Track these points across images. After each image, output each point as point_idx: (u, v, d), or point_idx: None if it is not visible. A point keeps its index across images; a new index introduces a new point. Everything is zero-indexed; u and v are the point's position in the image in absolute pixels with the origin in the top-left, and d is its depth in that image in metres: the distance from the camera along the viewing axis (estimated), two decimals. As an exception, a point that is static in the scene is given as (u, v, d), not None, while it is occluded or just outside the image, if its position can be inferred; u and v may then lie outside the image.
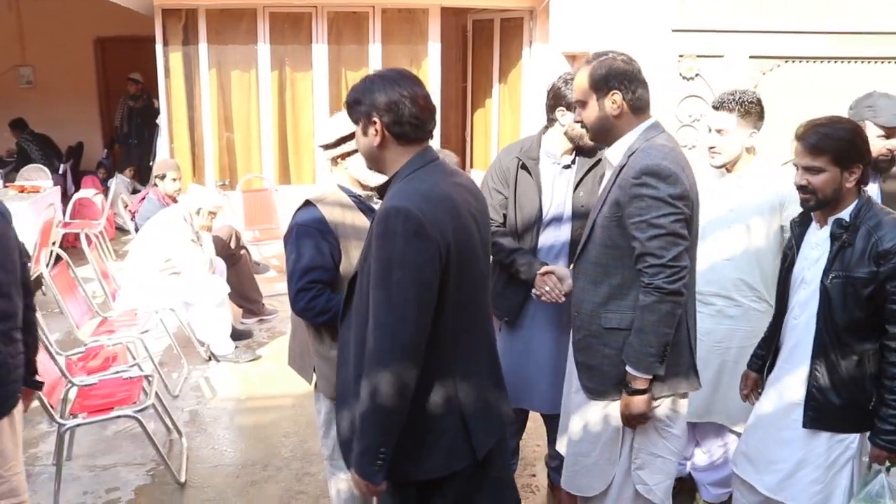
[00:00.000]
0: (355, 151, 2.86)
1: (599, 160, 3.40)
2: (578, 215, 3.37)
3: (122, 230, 9.21)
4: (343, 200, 2.89)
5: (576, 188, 3.39)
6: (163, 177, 6.38)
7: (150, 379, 4.39)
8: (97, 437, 4.61)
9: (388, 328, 2.11)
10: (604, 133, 2.68)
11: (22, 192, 7.79)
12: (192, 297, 5.70)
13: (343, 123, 2.90)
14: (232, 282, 6.19)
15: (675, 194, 2.48)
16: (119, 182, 9.73)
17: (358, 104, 2.28)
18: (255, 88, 7.94)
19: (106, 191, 9.02)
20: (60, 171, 9.99)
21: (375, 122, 2.25)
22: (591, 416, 2.75)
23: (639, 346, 2.55)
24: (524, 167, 3.41)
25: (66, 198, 8.72)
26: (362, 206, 2.91)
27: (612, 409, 2.72)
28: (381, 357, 2.11)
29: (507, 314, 3.52)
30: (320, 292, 2.75)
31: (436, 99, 8.48)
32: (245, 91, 7.97)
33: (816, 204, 2.66)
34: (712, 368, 3.30)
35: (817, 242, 2.71)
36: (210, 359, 5.81)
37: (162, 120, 8.00)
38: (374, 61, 8.04)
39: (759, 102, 3.25)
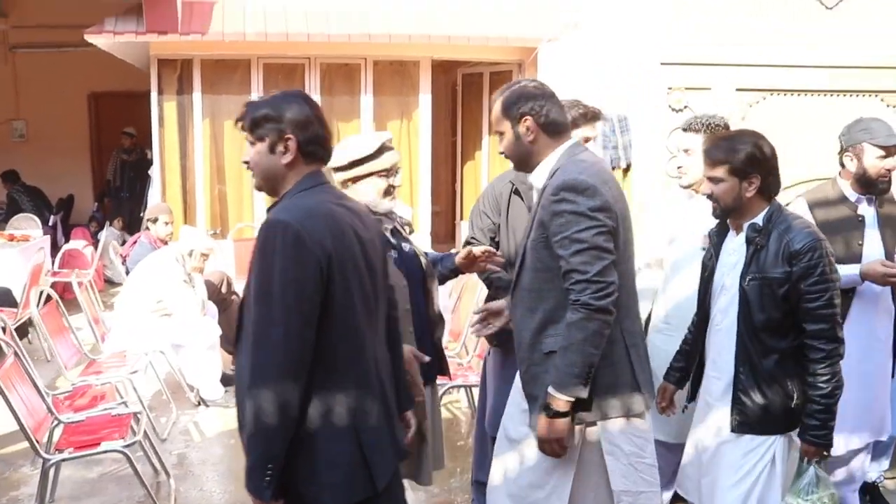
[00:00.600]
0: (367, 176, 2.87)
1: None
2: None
3: (110, 282, 9.16)
4: None
5: (716, 216, 3.40)
6: (155, 220, 6.39)
7: (139, 416, 4.32)
8: (81, 478, 4.50)
9: (270, 342, 2.06)
10: (523, 159, 2.68)
11: (11, 240, 7.78)
12: (183, 340, 5.65)
13: (356, 147, 2.92)
14: (222, 327, 6.14)
15: (594, 207, 2.44)
16: (109, 234, 9.72)
17: (268, 121, 2.22)
18: (248, 138, 8.00)
19: (96, 243, 9.01)
20: (50, 223, 9.98)
21: (289, 140, 2.21)
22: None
23: (562, 365, 2.46)
24: (517, 192, 3.44)
25: (55, 249, 8.70)
26: None
27: (577, 437, 2.62)
28: (263, 372, 2.05)
29: (497, 340, 3.50)
30: None
31: (425, 152, 8.64)
32: (238, 140, 8.03)
33: (721, 212, 2.80)
34: (685, 392, 3.20)
35: (734, 249, 2.82)
36: (199, 403, 5.72)
37: (154, 169, 8.05)
38: (366, 112, 8.16)
39: (726, 126, 3.36)
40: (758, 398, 2.74)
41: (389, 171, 2.99)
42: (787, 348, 2.71)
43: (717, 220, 2.90)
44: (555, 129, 2.62)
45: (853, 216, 3.43)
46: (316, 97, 7.96)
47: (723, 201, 2.76)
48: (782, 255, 2.67)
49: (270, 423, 2.06)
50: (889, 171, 3.38)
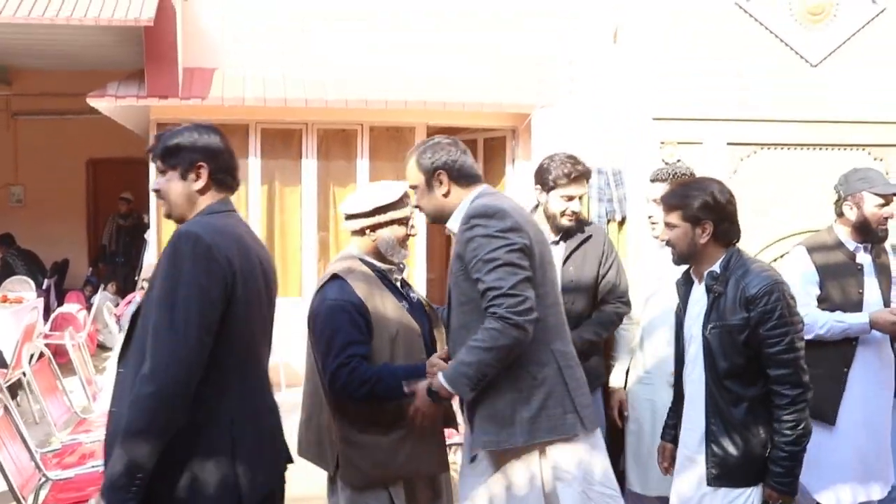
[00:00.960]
0: (389, 223, 2.89)
1: (590, 236, 3.48)
2: (568, 289, 3.41)
3: (102, 347, 9.08)
4: (368, 274, 2.87)
5: (565, 262, 3.44)
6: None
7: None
8: (68, 540, 4.38)
9: (168, 345, 2.09)
10: (438, 211, 2.77)
11: (4, 301, 7.74)
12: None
13: (380, 193, 2.93)
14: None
15: (503, 227, 2.51)
16: (102, 297, 9.69)
17: (181, 150, 2.31)
18: (245, 202, 8.08)
19: (90, 307, 8.98)
20: (44, 287, 9.96)
21: (201, 168, 2.30)
22: (515, 478, 2.61)
23: (460, 361, 2.50)
24: None
25: (48, 312, 8.66)
26: (385, 280, 2.90)
27: (535, 468, 2.61)
28: (157, 374, 2.07)
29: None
30: (359, 363, 2.69)
31: (420, 218, 8.62)
32: (234, 204, 8.08)
33: (678, 258, 2.82)
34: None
35: (697, 298, 2.82)
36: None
37: (151, 232, 8.08)
38: (362, 177, 8.25)
39: (691, 175, 3.44)
40: (731, 448, 2.68)
41: (408, 220, 3.02)
42: (756, 396, 2.67)
43: (683, 271, 2.91)
44: (467, 181, 2.72)
45: (852, 264, 3.46)
46: (313, 162, 8.10)
47: (678, 247, 2.78)
48: (739, 301, 2.64)
49: (157, 427, 2.06)
50: (887, 218, 3.44)
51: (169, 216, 2.39)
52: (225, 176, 2.36)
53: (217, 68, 7.83)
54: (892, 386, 3.54)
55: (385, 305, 2.82)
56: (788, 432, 2.60)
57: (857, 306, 3.40)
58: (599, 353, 3.60)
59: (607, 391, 3.68)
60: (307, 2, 7.96)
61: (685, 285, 2.91)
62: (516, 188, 8.43)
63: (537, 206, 3.53)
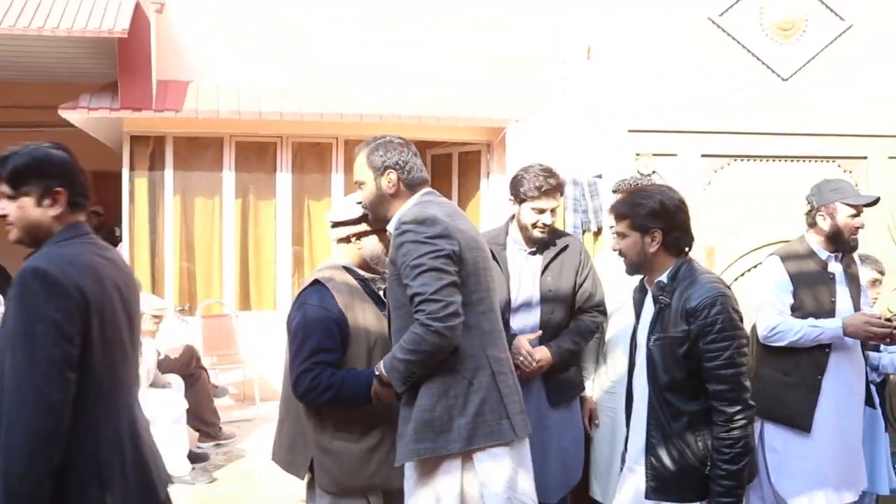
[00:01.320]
0: (374, 232, 2.88)
1: (567, 246, 3.51)
2: (547, 299, 3.43)
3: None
4: (351, 283, 2.87)
5: (543, 273, 3.46)
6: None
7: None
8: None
9: (31, 386, 2.02)
10: (382, 214, 2.72)
11: (-27, 316, 7.59)
12: (149, 415, 5.48)
13: None
14: (189, 403, 6.02)
15: (432, 234, 2.50)
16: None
17: (34, 174, 2.21)
18: (219, 215, 8.05)
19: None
20: (13, 302, 9.79)
21: (58, 193, 2.22)
22: (443, 487, 2.56)
23: (394, 357, 2.53)
24: (492, 255, 3.48)
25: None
26: (368, 289, 2.90)
27: (465, 475, 2.56)
28: (23, 416, 2.01)
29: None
30: (323, 370, 2.69)
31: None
32: (208, 217, 8.07)
33: (629, 268, 2.79)
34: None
35: (648, 308, 2.78)
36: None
37: (123, 245, 8.00)
38: (337, 190, 8.25)
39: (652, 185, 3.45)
40: (668, 463, 2.62)
41: None
42: (696, 411, 2.59)
43: (639, 280, 2.89)
44: (413, 183, 2.70)
45: (824, 273, 3.52)
46: (287, 175, 8.09)
47: (628, 256, 2.74)
48: (681, 313, 2.59)
49: (31, 475, 2.00)
50: (858, 228, 3.51)
51: (19, 242, 2.27)
52: (81, 198, 2.27)
53: (192, 81, 7.80)
54: (863, 393, 3.60)
55: (365, 315, 2.82)
56: (726, 451, 2.52)
57: (829, 314, 3.46)
58: (578, 362, 3.63)
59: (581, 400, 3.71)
60: (282, 15, 7.97)
61: (640, 293, 2.89)
62: (491, 201, 8.49)
63: (513, 218, 3.55)
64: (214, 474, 5.73)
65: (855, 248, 3.57)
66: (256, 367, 7.51)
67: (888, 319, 3.39)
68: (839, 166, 4.18)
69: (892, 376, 4.18)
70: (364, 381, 2.67)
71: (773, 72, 4.12)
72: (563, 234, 3.62)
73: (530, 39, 7.54)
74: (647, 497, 2.68)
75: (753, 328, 3.63)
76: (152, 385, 5.77)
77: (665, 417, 2.63)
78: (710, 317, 2.53)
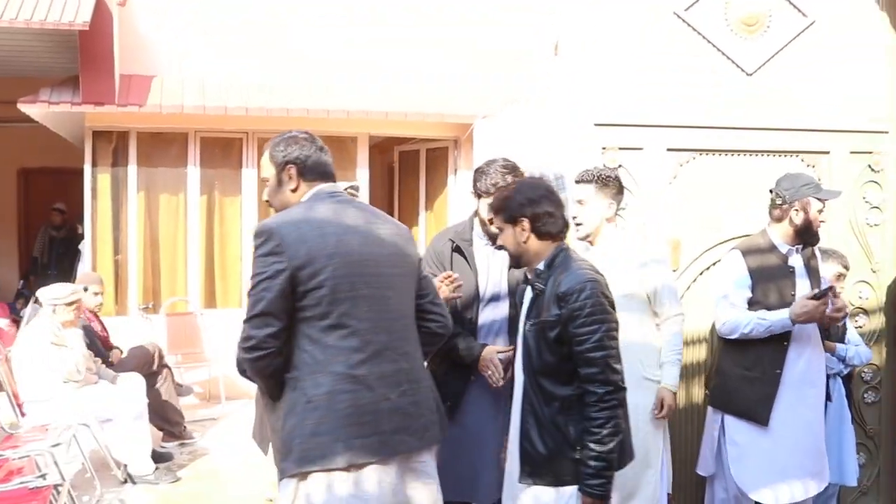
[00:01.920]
0: None
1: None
2: (515, 292, 3.41)
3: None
4: None
5: (510, 266, 3.44)
6: (84, 289, 6.18)
7: (59, 488, 4.08)
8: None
9: None
10: (283, 206, 2.63)
11: (-71, 315, 7.42)
12: (108, 412, 5.39)
13: None
14: (153, 401, 5.92)
15: (263, 251, 2.42)
16: (33, 310, 9.37)
17: None
18: (184, 212, 7.94)
19: (17, 320, 8.68)
20: (-28, 301, 9.59)
21: None
22: None
23: None
24: (457, 249, 3.46)
25: (-24, 326, 8.32)
26: None
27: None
28: None
29: (450, 398, 3.46)
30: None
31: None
32: (173, 214, 7.96)
33: (511, 260, 2.88)
34: None
35: (529, 296, 2.85)
36: (126, 481, 5.45)
37: (86, 243, 7.87)
38: (304, 186, 8.17)
39: (616, 178, 3.52)
40: (540, 447, 2.66)
41: None
42: (568, 396, 2.63)
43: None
44: (314, 176, 2.61)
45: (784, 266, 3.56)
46: (253, 171, 7.99)
47: (509, 250, 2.84)
48: (553, 298, 2.66)
49: None
50: (822, 222, 3.58)
51: None
52: None
53: (156, 75, 7.69)
54: (822, 385, 3.64)
55: None
56: (596, 430, 2.56)
57: (789, 307, 3.49)
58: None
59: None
60: (246, 9, 7.88)
61: (524, 283, 2.94)
62: (458, 198, 8.46)
63: (476, 212, 3.53)
64: (178, 473, 5.65)
65: (818, 240, 3.62)
66: (222, 365, 7.40)
67: (824, 293, 3.41)
68: (802, 160, 4.21)
69: (857, 369, 4.22)
70: None
71: (738, 67, 4.14)
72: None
73: (515, 35, 7.53)
74: (520, 481, 2.72)
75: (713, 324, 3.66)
76: (100, 378, 5.64)
77: (538, 402, 2.68)
78: (579, 301, 2.60)
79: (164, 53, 7.76)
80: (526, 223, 2.74)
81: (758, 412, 3.51)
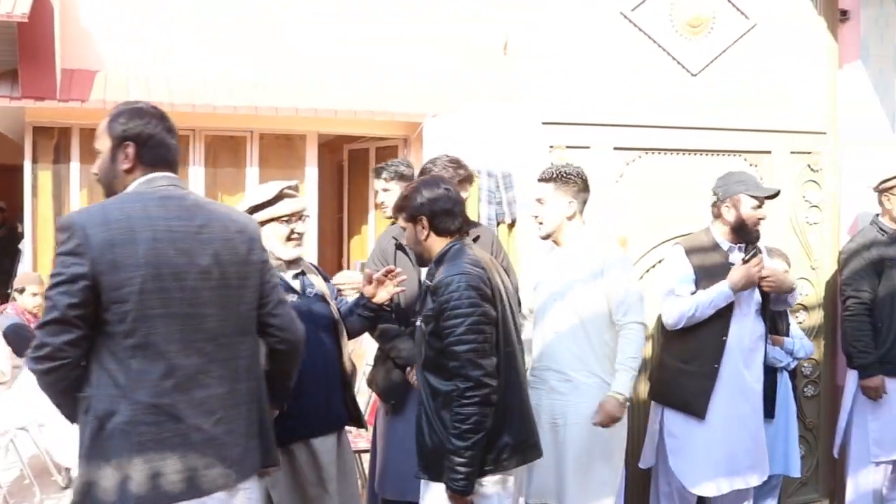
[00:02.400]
0: (267, 222, 2.92)
1: (478, 236, 3.50)
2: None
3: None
4: None
5: (417, 263, 3.43)
6: (22, 290, 6.00)
7: (-3, 494, 3.96)
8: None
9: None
10: (112, 186, 2.30)
11: None
12: (44, 416, 5.23)
13: (255, 194, 3.03)
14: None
15: (64, 249, 2.11)
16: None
17: None
18: (128, 209, 7.76)
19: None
20: None
21: None
22: None
23: None
24: (400, 247, 3.46)
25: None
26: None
27: None
28: None
29: (394, 398, 3.45)
30: None
31: (311, 229, 8.56)
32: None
33: (416, 258, 2.94)
34: (548, 447, 3.11)
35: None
36: (68, 486, 5.31)
37: (26, 242, 7.67)
38: (252, 184, 8.08)
39: (578, 175, 3.42)
40: (427, 442, 2.71)
41: (291, 218, 3.02)
42: (450, 391, 2.62)
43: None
44: (152, 160, 2.27)
45: (725, 263, 3.62)
46: (200, 169, 7.88)
47: (412, 248, 2.91)
48: (430, 293, 2.72)
49: None
50: (760, 219, 3.62)
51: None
52: None
53: (100, 70, 7.51)
54: (760, 379, 3.71)
55: None
56: (457, 426, 2.57)
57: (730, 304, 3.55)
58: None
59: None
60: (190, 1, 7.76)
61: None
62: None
63: None
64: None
65: (758, 238, 3.68)
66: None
67: (753, 254, 3.53)
68: (745, 160, 4.30)
69: (799, 363, 4.31)
70: None
71: (683, 67, 4.21)
72: (475, 225, 3.61)
73: (508, 32, 7.49)
74: (417, 476, 2.77)
75: (659, 318, 3.71)
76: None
77: (426, 396, 2.72)
78: (445, 294, 2.62)
79: (109, 47, 7.57)
80: (425, 221, 2.80)
81: (695, 405, 3.55)
